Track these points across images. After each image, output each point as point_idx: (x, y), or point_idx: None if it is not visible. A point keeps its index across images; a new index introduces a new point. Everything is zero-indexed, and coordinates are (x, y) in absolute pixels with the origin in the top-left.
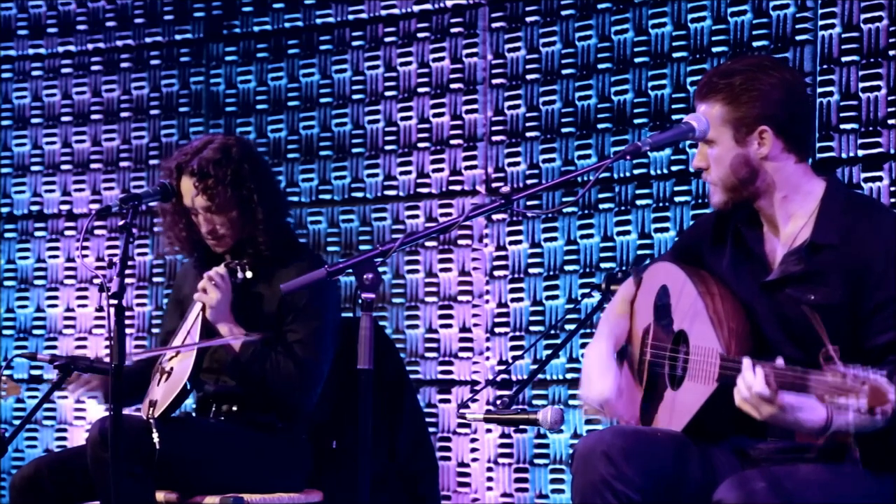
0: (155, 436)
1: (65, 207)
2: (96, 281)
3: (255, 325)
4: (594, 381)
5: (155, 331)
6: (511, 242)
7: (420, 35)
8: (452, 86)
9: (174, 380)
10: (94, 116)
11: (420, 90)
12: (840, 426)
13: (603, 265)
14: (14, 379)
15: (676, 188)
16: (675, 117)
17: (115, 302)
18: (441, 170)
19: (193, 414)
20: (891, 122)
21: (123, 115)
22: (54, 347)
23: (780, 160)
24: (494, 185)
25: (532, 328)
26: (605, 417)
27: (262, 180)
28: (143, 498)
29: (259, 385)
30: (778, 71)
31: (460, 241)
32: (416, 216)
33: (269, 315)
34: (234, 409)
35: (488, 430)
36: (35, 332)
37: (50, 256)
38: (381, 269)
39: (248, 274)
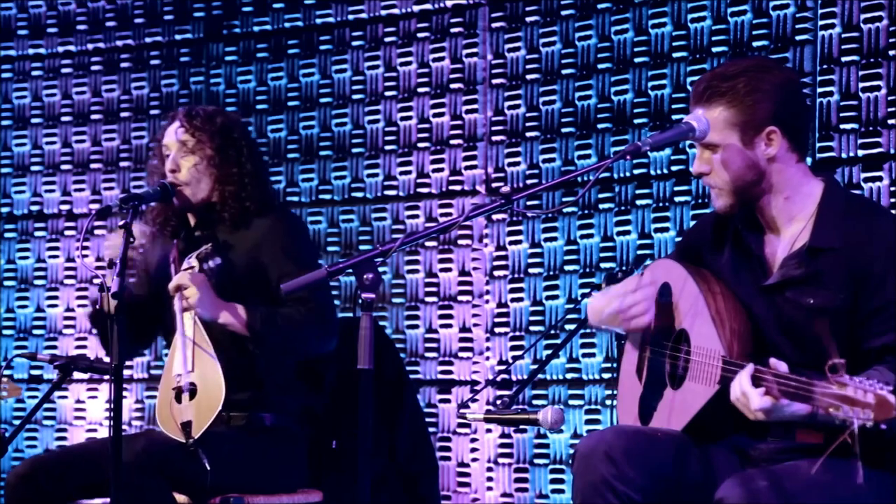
0: (205, 461)
1: (65, 207)
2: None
3: (239, 284)
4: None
5: None
6: (511, 242)
7: (420, 35)
8: (452, 86)
9: (207, 398)
10: (94, 116)
11: (420, 90)
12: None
13: (603, 265)
14: (14, 379)
15: (676, 188)
16: (675, 117)
17: (116, 302)
18: (441, 170)
19: None
20: (891, 122)
21: (123, 115)
22: (54, 347)
23: (785, 161)
24: (494, 185)
25: (532, 328)
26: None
27: (247, 147)
28: None
29: (284, 344)
30: (778, 71)
31: (460, 241)
32: (416, 216)
33: (248, 265)
34: (238, 413)
35: (488, 430)
36: (35, 332)
37: (50, 256)
38: (381, 269)
39: (217, 260)
